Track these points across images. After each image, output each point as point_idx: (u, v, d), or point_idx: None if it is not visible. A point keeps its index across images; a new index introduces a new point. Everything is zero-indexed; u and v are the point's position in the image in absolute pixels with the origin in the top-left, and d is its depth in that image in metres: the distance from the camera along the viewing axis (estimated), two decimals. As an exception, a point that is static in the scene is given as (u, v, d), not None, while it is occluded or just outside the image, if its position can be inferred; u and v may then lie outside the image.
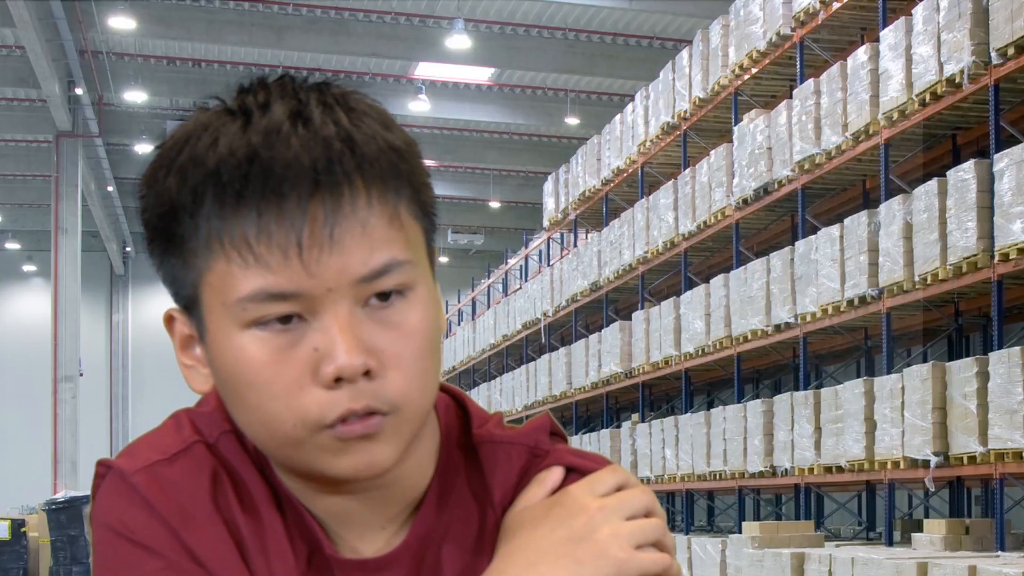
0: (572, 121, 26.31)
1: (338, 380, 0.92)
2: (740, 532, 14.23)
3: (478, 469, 1.06)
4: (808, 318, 13.71)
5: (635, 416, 19.95)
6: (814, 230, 14.18)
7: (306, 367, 0.92)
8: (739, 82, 15.78)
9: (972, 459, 10.61)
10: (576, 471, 1.04)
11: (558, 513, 0.99)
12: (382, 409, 0.93)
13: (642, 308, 19.18)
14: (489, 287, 31.32)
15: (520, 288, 26.52)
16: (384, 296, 0.93)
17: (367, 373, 0.92)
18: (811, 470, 13.51)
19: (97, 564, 0.99)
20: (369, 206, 0.92)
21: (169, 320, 1.00)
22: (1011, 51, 10.35)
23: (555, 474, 1.04)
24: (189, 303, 0.97)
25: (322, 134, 0.92)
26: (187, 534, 0.97)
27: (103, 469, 1.01)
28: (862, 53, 12.62)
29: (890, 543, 12.59)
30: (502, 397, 26.18)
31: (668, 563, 0.98)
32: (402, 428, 0.96)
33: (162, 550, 0.96)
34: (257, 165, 0.90)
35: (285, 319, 0.92)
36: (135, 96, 25.35)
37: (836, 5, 13.49)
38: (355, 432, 0.93)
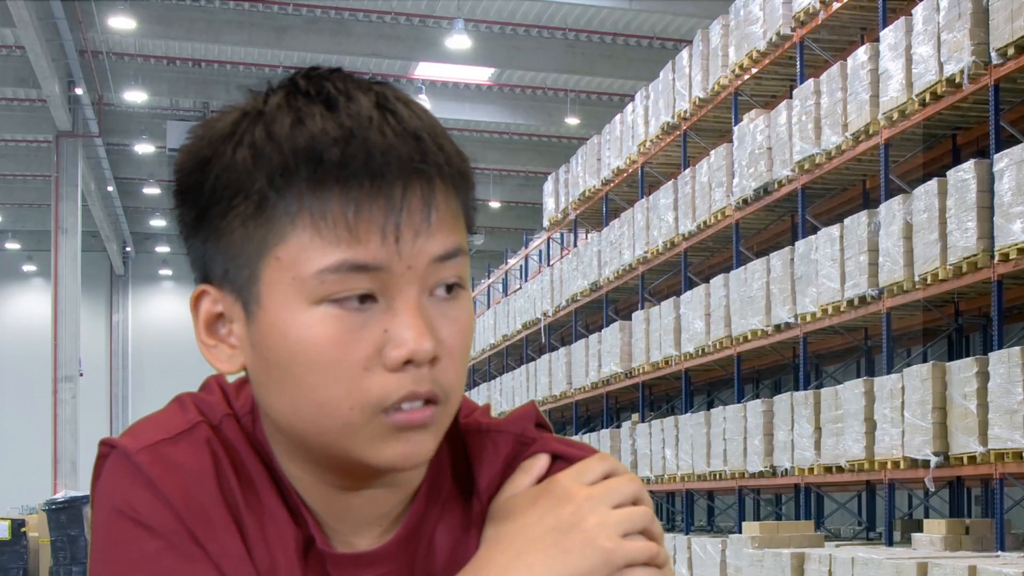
0: (572, 121, 26.32)
1: (406, 364, 0.93)
2: (740, 532, 14.23)
3: (464, 458, 1.06)
4: (808, 318, 13.71)
5: (635, 416, 19.95)
6: (814, 230, 14.18)
7: (375, 348, 0.93)
8: (739, 82, 15.78)
9: (972, 459, 10.61)
10: (562, 459, 1.04)
11: (545, 501, 0.99)
12: (439, 396, 0.95)
13: (642, 308, 19.18)
14: (489, 287, 31.33)
15: (520, 288, 26.52)
16: (448, 288, 0.96)
17: (432, 360, 0.94)
18: (811, 470, 13.51)
19: (96, 544, 0.98)
20: (447, 199, 0.95)
21: (199, 297, 0.99)
22: (1011, 51, 10.35)
23: (541, 462, 1.04)
24: (239, 279, 0.96)
25: (411, 126, 0.95)
26: (190, 516, 0.96)
27: (106, 449, 1.01)
28: (862, 53, 12.62)
29: (890, 543, 12.59)
30: (502, 397, 26.17)
31: (656, 551, 0.98)
32: (444, 420, 0.97)
33: (164, 530, 0.96)
34: (357, 146, 0.92)
35: (361, 299, 0.93)
36: (135, 96, 25.35)
37: (836, 5, 13.49)
38: (415, 421, 0.94)
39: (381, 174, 0.92)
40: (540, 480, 1.03)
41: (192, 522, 0.96)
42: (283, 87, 0.98)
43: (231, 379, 1.07)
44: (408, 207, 0.93)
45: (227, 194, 0.94)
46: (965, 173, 10.79)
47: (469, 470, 1.06)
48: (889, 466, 11.82)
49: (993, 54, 10.55)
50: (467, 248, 0.98)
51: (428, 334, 0.93)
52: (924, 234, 11.39)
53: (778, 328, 14.53)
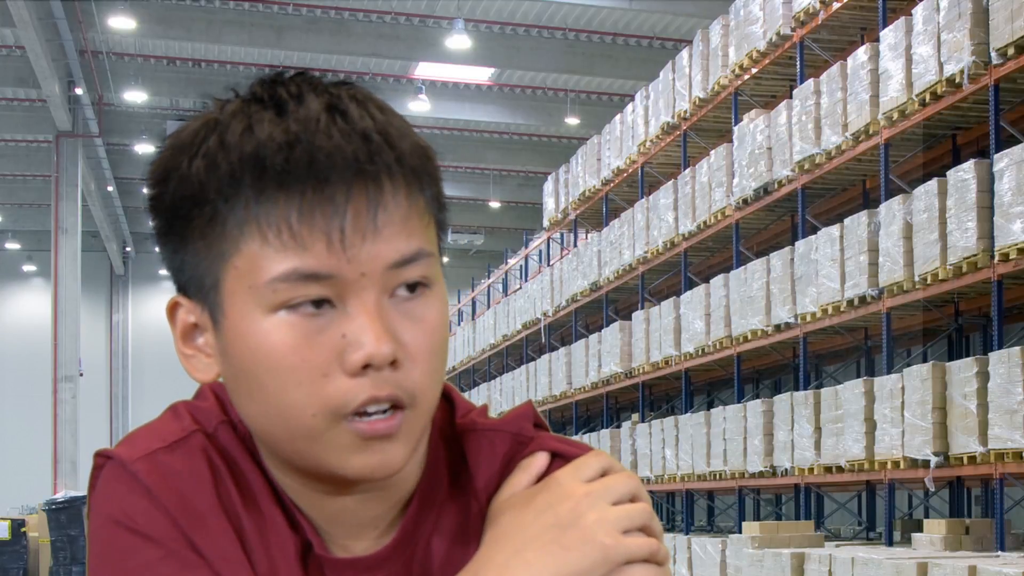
0: (572, 121, 26.31)
1: (365, 368, 0.92)
2: (740, 532, 14.23)
3: (461, 458, 1.06)
4: (808, 318, 13.71)
5: (635, 416, 19.95)
6: (814, 230, 14.18)
7: (332, 354, 0.92)
8: (739, 82, 15.78)
9: (972, 459, 10.61)
10: (561, 457, 1.04)
11: (544, 499, 0.99)
12: (404, 400, 0.94)
13: (642, 308, 19.18)
14: (489, 287, 31.32)
15: (520, 288, 26.52)
16: (411, 288, 0.95)
17: (393, 363, 0.93)
18: (811, 470, 13.51)
19: (94, 554, 0.97)
20: (402, 198, 0.94)
21: (173, 308, 0.99)
22: (1011, 51, 10.35)
23: (540, 460, 1.04)
24: (204, 289, 0.96)
25: (360, 127, 0.93)
26: (188, 523, 0.96)
27: (101, 459, 1.00)
28: (862, 53, 12.62)
29: (890, 543, 12.59)
30: (502, 397, 26.17)
31: (655, 547, 0.98)
32: (415, 426, 0.96)
33: (162, 539, 0.95)
34: (300, 151, 0.92)
35: (316, 303, 0.92)
36: (135, 96, 25.34)
37: (836, 5, 13.49)
38: (378, 431, 0.94)
39: (324, 178, 0.91)
40: (539, 478, 1.02)
41: (190, 530, 0.96)
42: (242, 94, 0.98)
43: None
44: (353, 212, 0.92)
45: (186, 205, 0.94)
46: (965, 173, 10.79)
47: (466, 470, 1.06)
48: (889, 466, 11.82)
49: (993, 54, 10.55)
50: (434, 248, 0.97)
51: (386, 337, 0.92)
52: (924, 234, 11.39)
53: (778, 328, 14.53)
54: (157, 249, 1.00)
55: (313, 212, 0.91)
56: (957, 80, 11.01)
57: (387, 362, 0.92)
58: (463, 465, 1.06)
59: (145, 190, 1.00)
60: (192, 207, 0.94)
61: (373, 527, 1.02)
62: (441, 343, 0.97)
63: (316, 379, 0.92)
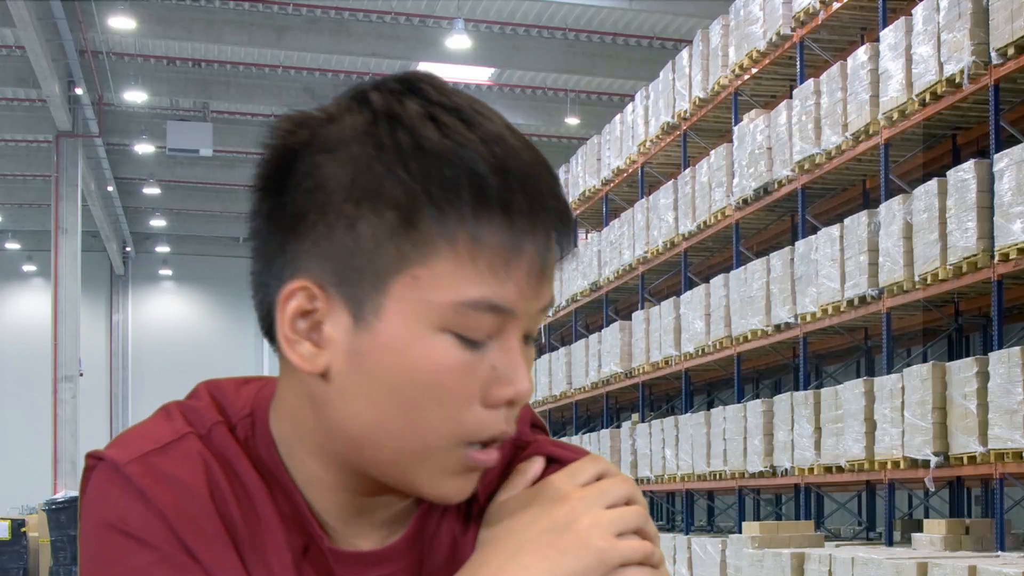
0: (572, 121, 26.31)
1: (508, 403, 0.95)
2: (740, 532, 14.23)
3: None
4: (808, 318, 13.71)
5: (635, 416, 19.95)
6: (814, 230, 14.18)
7: (480, 383, 0.94)
8: (739, 82, 15.78)
9: (972, 459, 10.61)
10: (557, 461, 1.04)
11: (539, 503, 0.99)
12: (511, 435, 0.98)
13: (642, 308, 19.18)
14: (489, 287, 31.30)
15: (520, 288, 26.48)
16: (527, 337, 0.97)
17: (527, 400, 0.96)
18: (811, 470, 13.51)
19: (86, 557, 0.96)
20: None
21: (294, 292, 0.94)
22: (1011, 51, 10.35)
23: (536, 464, 1.04)
24: (357, 285, 0.92)
25: (540, 157, 0.94)
26: (182, 527, 0.95)
27: (92, 461, 0.99)
28: (862, 53, 12.62)
29: (890, 543, 12.59)
30: (502, 397, 26.15)
31: (650, 550, 0.98)
32: None
33: (156, 542, 0.94)
34: (515, 176, 0.91)
35: (481, 333, 0.93)
36: (135, 96, 25.33)
37: (836, 5, 13.49)
38: (487, 462, 0.96)
39: (538, 209, 0.91)
40: (535, 482, 1.03)
41: (185, 534, 0.95)
42: (406, 91, 0.94)
43: (234, 380, 1.07)
44: (553, 252, 0.93)
45: (363, 198, 0.91)
46: (965, 173, 10.79)
47: None
48: (889, 466, 11.82)
49: (993, 54, 10.55)
50: None
51: (529, 376, 0.95)
52: (924, 234, 11.39)
53: (778, 328, 14.53)
54: (267, 228, 0.95)
55: (523, 244, 0.91)
56: (957, 80, 11.01)
57: (527, 401, 0.95)
58: None
59: (267, 164, 0.95)
60: (370, 203, 0.91)
61: (382, 527, 1.03)
62: None
63: (459, 405, 0.93)
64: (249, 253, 1.00)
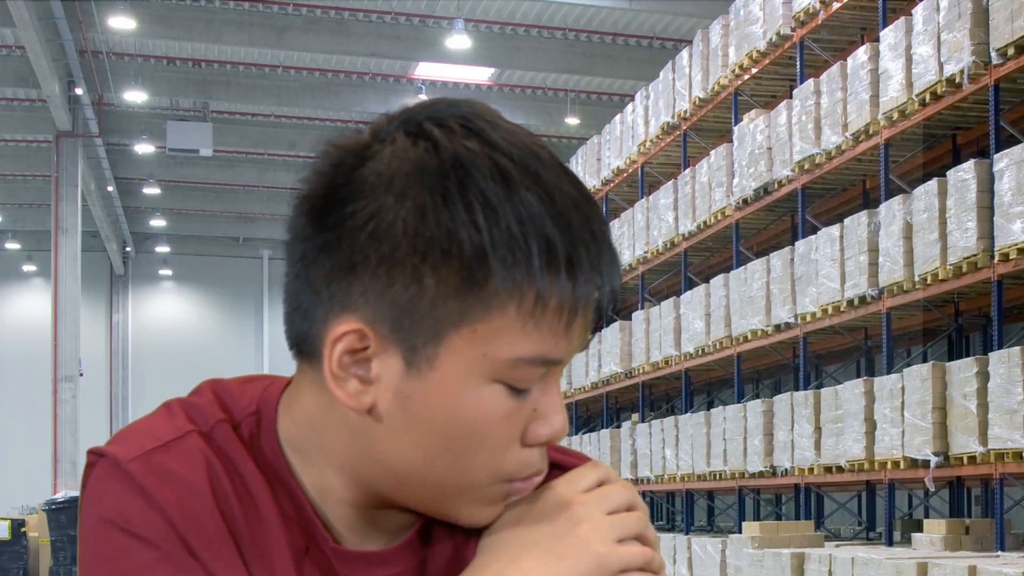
0: (572, 121, 26.31)
1: (544, 443, 0.97)
2: (740, 532, 14.23)
3: None
4: (808, 318, 13.71)
5: (635, 416, 19.95)
6: (814, 230, 14.18)
7: (522, 424, 0.96)
8: (739, 82, 15.78)
9: (972, 459, 10.61)
10: (558, 467, 1.04)
11: (540, 508, 0.99)
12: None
13: (642, 308, 19.18)
14: (489, 287, 31.31)
15: (520, 288, 26.49)
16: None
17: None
18: (811, 470, 13.51)
19: (86, 555, 0.96)
20: None
21: (347, 333, 0.93)
22: (1011, 51, 10.35)
23: None
24: (413, 332, 0.92)
25: (598, 210, 0.95)
26: (184, 525, 0.94)
27: (94, 457, 0.99)
28: (862, 53, 12.62)
29: (890, 543, 12.59)
30: (502, 397, 26.16)
31: (650, 556, 0.98)
32: None
33: (157, 540, 0.94)
34: (579, 235, 0.92)
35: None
36: (135, 96, 25.33)
37: (836, 5, 13.49)
38: (526, 490, 0.99)
39: (599, 273, 0.93)
40: (537, 488, 1.03)
41: (187, 532, 0.94)
42: (464, 131, 0.94)
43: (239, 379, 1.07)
44: (609, 301, 0.96)
45: (429, 250, 0.90)
46: (965, 173, 10.79)
47: None
48: (889, 466, 11.82)
49: (993, 54, 10.55)
50: None
51: (565, 415, 0.98)
52: (924, 234, 11.39)
53: (778, 328, 14.53)
54: (319, 261, 0.93)
55: (587, 307, 0.94)
56: (957, 80, 11.01)
57: (562, 439, 0.98)
58: None
59: (321, 197, 0.94)
60: (436, 253, 0.90)
61: (388, 533, 1.03)
62: None
63: (504, 447, 0.96)
64: (286, 262, 0.99)
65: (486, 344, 0.91)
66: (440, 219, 0.90)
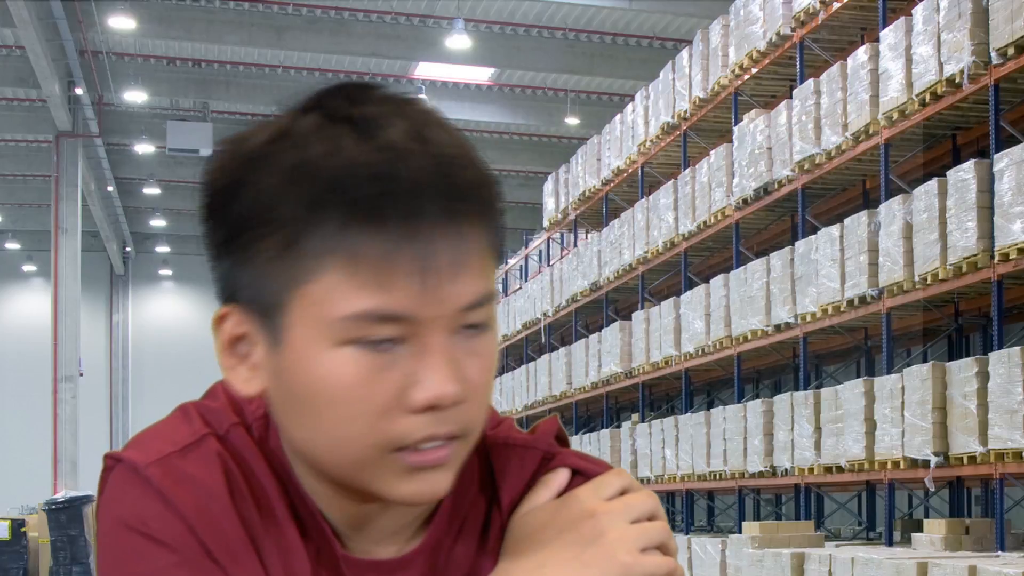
0: (572, 121, 26.31)
1: (429, 408, 0.92)
2: (740, 532, 14.23)
3: (490, 470, 1.06)
4: (808, 318, 13.71)
5: (635, 416, 19.95)
6: (814, 230, 14.18)
7: (397, 390, 0.92)
8: (739, 82, 15.78)
9: (972, 459, 10.61)
10: (581, 474, 1.04)
11: (565, 516, 0.99)
12: (459, 434, 0.94)
13: (642, 308, 19.18)
14: (489, 287, 31.26)
15: (520, 288, 26.52)
16: (471, 326, 0.94)
17: (454, 402, 0.93)
18: (811, 470, 13.51)
19: (105, 560, 0.96)
20: (479, 236, 0.93)
21: (221, 318, 0.96)
22: (1011, 51, 10.35)
23: (561, 476, 1.04)
24: (265, 308, 0.93)
25: (447, 156, 0.91)
26: (203, 530, 0.95)
27: (111, 462, 0.99)
28: (862, 53, 12.62)
29: (890, 543, 12.59)
30: (502, 397, 26.17)
31: (672, 566, 0.98)
32: (462, 453, 0.97)
33: (177, 545, 0.94)
34: (388, 183, 0.89)
35: (385, 340, 0.91)
36: (135, 96, 25.34)
37: (836, 5, 13.49)
38: (428, 462, 0.93)
39: (416, 214, 0.89)
40: (559, 495, 1.03)
41: (206, 536, 0.95)
42: (316, 106, 0.94)
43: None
44: (443, 253, 0.90)
45: (257, 221, 0.91)
46: (965, 173, 10.78)
47: (493, 483, 1.06)
48: (889, 466, 11.82)
49: (993, 54, 10.55)
50: (495, 290, 0.96)
51: (453, 378, 0.92)
52: (924, 234, 11.39)
53: (778, 328, 14.53)
54: (208, 255, 0.97)
55: (401, 250, 0.89)
56: (957, 80, 11.01)
57: (451, 403, 0.92)
58: (489, 477, 1.06)
59: (204, 192, 0.96)
60: (264, 225, 0.91)
61: (398, 535, 1.02)
62: (494, 376, 0.97)
63: (377, 414, 0.92)
64: None
65: (319, 307, 0.90)
66: (262, 190, 0.91)
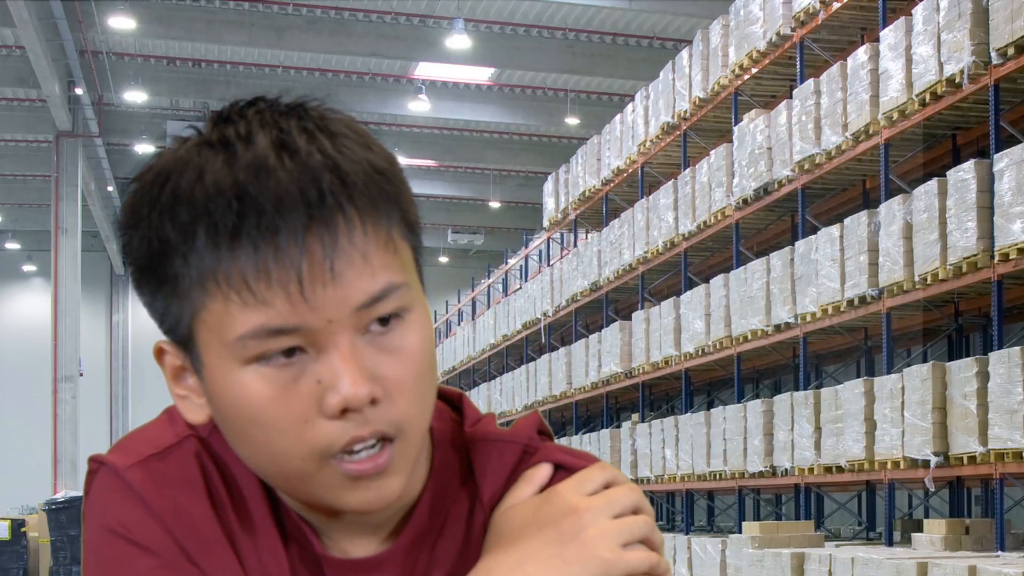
0: (572, 121, 26.31)
1: (344, 411, 0.91)
2: (740, 532, 14.23)
3: (469, 467, 1.06)
4: (808, 318, 13.70)
5: (635, 416, 19.94)
6: (814, 230, 14.18)
7: (311, 400, 0.91)
8: (739, 82, 15.78)
9: (972, 459, 10.61)
10: (564, 468, 1.03)
11: (546, 512, 0.99)
12: (390, 433, 0.93)
13: (642, 308, 19.17)
14: (489, 287, 31.32)
15: (520, 288, 26.51)
16: (383, 321, 0.93)
17: (372, 401, 0.92)
18: (811, 470, 13.51)
19: (88, 562, 0.97)
20: (364, 234, 0.91)
21: (160, 353, 0.98)
22: (1011, 51, 10.35)
23: (543, 471, 1.03)
24: (182, 338, 0.94)
25: (310, 164, 0.90)
26: (182, 532, 0.96)
27: (95, 465, 1.00)
28: (862, 53, 12.62)
29: (890, 543, 12.59)
30: (502, 397, 26.17)
31: (656, 561, 0.98)
32: (407, 454, 0.96)
33: (156, 548, 0.95)
34: (248, 202, 0.88)
35: (288, 352, 0.91)
36: (135, 96, 25.35)
37: (836, 5, 13.49)
38: (367, 471, 0.93)
39: (275, 229, 0.88)
40: (542, 490, 1.02)
41: (184, 539, 0.96)
42: (196, 131, 0.95)
43: None
44: (308, 260, 0.89)
45: (151, 256, 0.93)
46: (965, 173, 10.78)
47: (473, 479, 1.06)
48: (889, 466, 11.82)
49: (993, 54, 10.55)
50: (405, 275, 0.94)
51: (361, 379, 0.91)
52: (924, 234, 11.39)
53: (778, 328, 14.52)
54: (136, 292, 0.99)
55: (268, 266, 0.89)
56: (957, 80, 11.01)
57: (365, 404, 0.91)
58: (470, 474, 1.06)
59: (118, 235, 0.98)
60: (158, 262, 0.92)
61: (376, 532, 1.02)
62: (425, 367, 0.95)
63: (298, 426, 0.91)
64: None
65: (217, 332, 0.91)
66: (145, 225, 0.92)
